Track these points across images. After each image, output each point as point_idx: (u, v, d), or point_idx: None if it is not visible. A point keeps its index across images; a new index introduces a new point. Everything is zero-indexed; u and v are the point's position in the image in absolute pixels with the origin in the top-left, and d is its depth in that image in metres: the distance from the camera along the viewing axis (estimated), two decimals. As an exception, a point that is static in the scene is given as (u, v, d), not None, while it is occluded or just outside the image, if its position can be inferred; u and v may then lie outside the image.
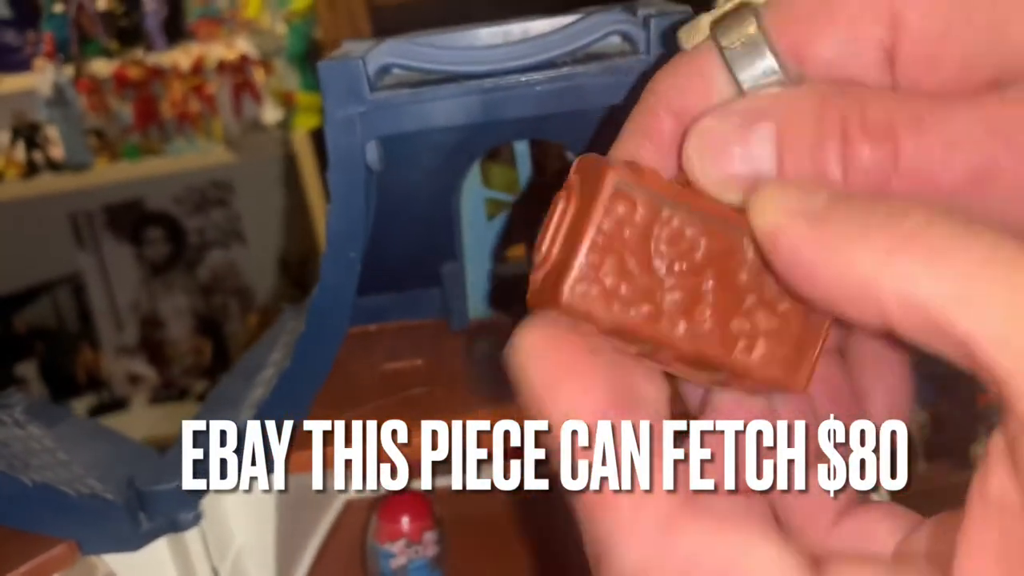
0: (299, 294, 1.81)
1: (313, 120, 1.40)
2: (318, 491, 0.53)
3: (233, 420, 0.42)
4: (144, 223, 1.74)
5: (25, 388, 1.70)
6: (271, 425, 0.39)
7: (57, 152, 1.43)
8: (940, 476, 1.28)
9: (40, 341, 1.74)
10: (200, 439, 0.41)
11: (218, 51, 1.41)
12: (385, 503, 0.46)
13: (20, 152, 1.43)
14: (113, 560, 0.40)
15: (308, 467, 0.41)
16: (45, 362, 1.73)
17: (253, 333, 1.72)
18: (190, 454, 0.40)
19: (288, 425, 0.39)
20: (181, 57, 1.41)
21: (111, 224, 1.74)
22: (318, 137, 1.43)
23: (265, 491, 0.43)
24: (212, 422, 0.42)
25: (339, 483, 0.56)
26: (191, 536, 0.40)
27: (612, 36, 0.34)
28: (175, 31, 1.43)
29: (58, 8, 1.39)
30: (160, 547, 0.39)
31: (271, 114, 1.43)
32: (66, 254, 1.74)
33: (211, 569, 0.41)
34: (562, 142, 0.45)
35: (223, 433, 0.41)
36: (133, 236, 1.75)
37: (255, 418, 0.38)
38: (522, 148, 0.46)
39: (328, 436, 0.40)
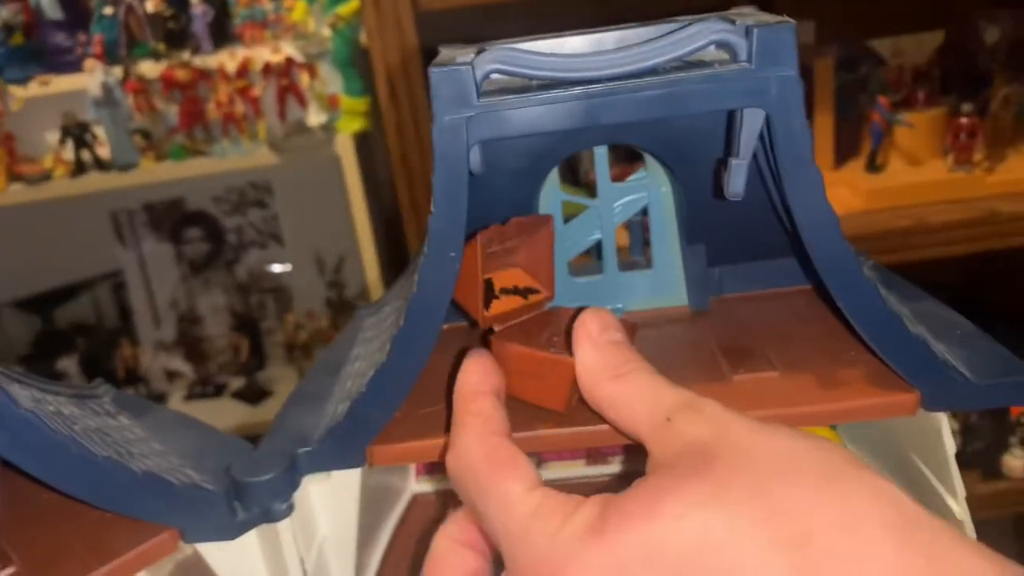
0: (334, 295, 1.83)
1: (356, 124, 1.41)
2: (391, 484, 0.54)
3: (322, 412, 0.43)
4: (184, 222, 1.76)
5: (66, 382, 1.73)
6: (364, 417, 0.40)
7: (104, 152, 1.46)
8: (970, 485, 1.28)
9: (81, 337, 1.77)
10: (291, 430, 0.43)
11: (263, 54, 1.43)
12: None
13: (69, 151, 1.46)
14: (205, 549, 0.41)
15: (394, 460, 0.42)
16: (85, 357, 1.76)
17: (290, 332, 1.74)
18: (284, 446, 0.41)
19: (381, 418, 0.40)
20: (227, 59, 1.43)
21: (152, 223, 1.76)
22: (360, 140, 1.44)
23: (349, 483, 0.44)
24: (304, 414, 0.44)
25: (407, 476, 0.57)
26: (281, 526, 0.41)
27: (712, 45, 0.34)
28: (221, 34, 1.46)
29: (108, 11, 1.42)
30: (251, 536, 0.41)
31: (315, 117, 1.44)
32: (107, 252, 1.77)
33: (299, 558, 0.43)
34: (643, 147, 0.46)
35: (313, 425, 0.43)
36: (173, 235, 1.77)
37: (350, 411, 0.40)
38: (601, 152, 0.47)
39: (413, 431, 0.42)
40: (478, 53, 0.35)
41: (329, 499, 0.44)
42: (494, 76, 0.36)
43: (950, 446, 0.40)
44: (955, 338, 0.42)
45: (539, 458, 0.58)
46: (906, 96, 1.42)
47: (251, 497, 0.39)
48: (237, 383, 1.77)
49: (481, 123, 0.34)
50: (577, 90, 0.34)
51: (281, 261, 1.79)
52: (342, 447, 0.40)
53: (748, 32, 0.33)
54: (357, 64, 1.38)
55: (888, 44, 1.43)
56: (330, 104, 1.44)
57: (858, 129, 1.43)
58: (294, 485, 0.40)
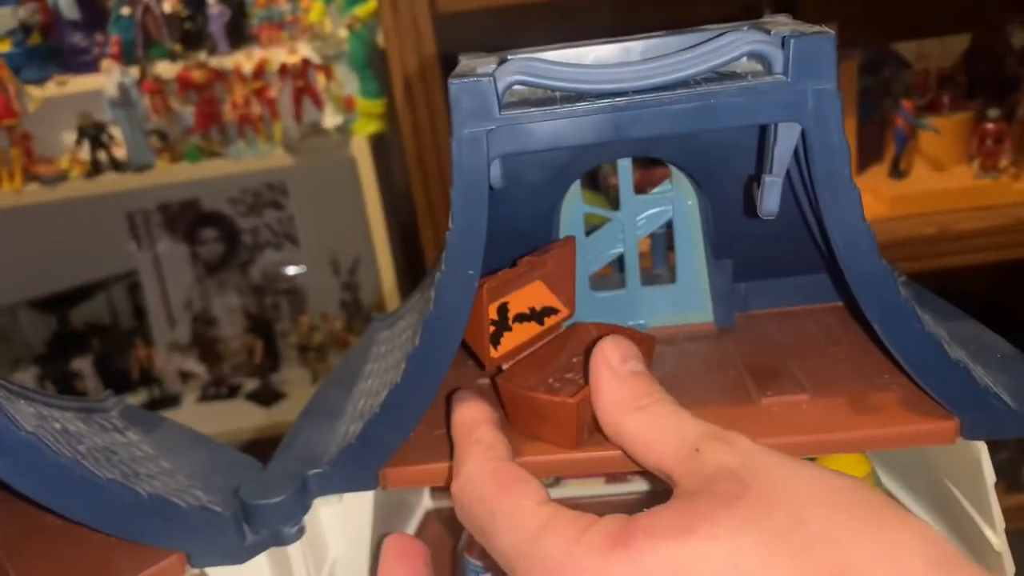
0: (349, 297, 1.82)
1: (372, 126, 1.40)
2: (405, 501, 0.53)
3: (335, 430, 0.42)
4: (199, 223, 1.76)
5: (80, 382, 1.73)
6: (378, 439, 0.39)
7: (120, 152, 1.45)
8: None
9: (96, 337, 1.77)
10: (303, 448, 0.41)
11: (280, 55, 1.42)
12: (477, 520, 0.46)
13: (85, 152, 1.46)
14: (215, 573, 0.40)
15: (408, 482, 0.41)
16: (100, 357, 1.76)
17: (304, 333, 1.74)
18: (294, 467, 0.40)
19: (395, 440, 0.39)
20: (243, 60, 1.42)
21: (167, 223, 1.76)
22: (376, 142, 1.43)
23: (362, 504, 0.43)
24: (315, 432, 0.42)
25: (421, 493, 0.56)
26: (292, 549, 0.40)
27: (745, 55, 0.33)
28: (238, 35, 1.45)
29: (125, 11, 1.42)
30: (260, 560, 0.39)
31: (331, 119, 1.43)
32: (122, 252, 1.76)
33: (309, 581, 0.41)
34: (670, 160, 0.45)
35: (325, 443, 0.41)
36: (188, 235, 1.77)
37: (363, 432, 0.38)
38: (625, 164, 0.46)
39: (427, 453, 0.40)
40: (500, 63, 0.34)
41: (340, 521, 0.43)
42: (517, 88, 0.35)
43: (990, 476, 0.39)
44: (995, 362, 0.40)
45: (558, 477, 0.56)
46: (931, 100, 1.39)
47: (260, 520, 0.38)
48: (251, 385, 1.76)
49: (502, 137, 0.33)
50: (604, 103, 0.32)
51: (296, 262, 1.78)
52: (354, 469, 0.39)
53: (784, 43, 0.32)
54: (374, 66, 1.37)
55: (913, 47, 1.41)
56: (346, 106, 1.43)
57: (881, 133, 1.41)
58: (305, 508, 0.39)
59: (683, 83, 0.32)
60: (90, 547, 0.37)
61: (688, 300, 0.48)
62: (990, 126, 1.31)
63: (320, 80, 1.42)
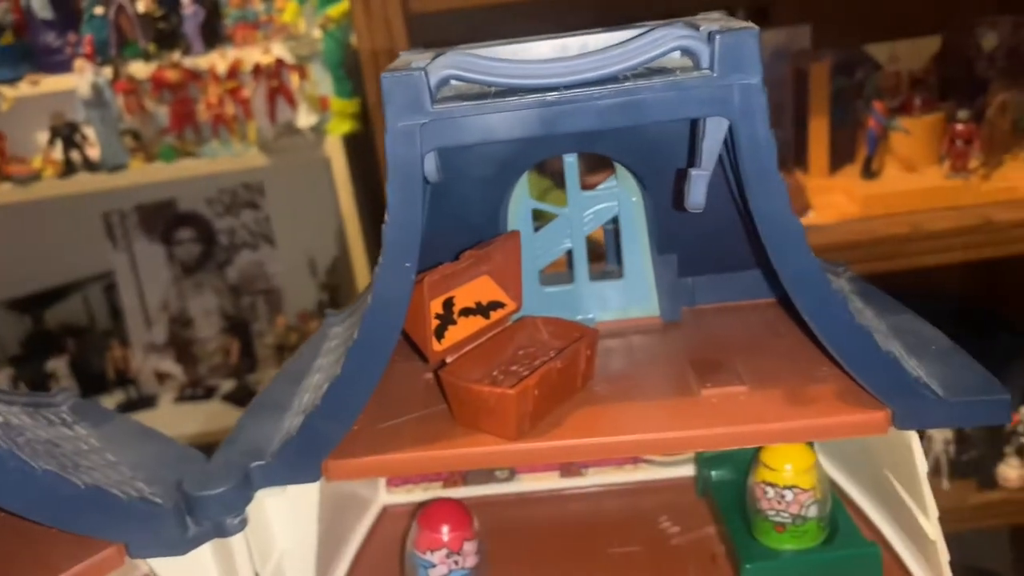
0: (326, 297, 1.82)
1: (346, 125, 1.40)
2: (357, 495, 0.53)
3: (280, 424, 0.42)
4: (176, 223, 1.75)
5: (55, 384, 1.72)
6: (319, 431, 0.39)
7: (94, 152, 1.45)
8: (965, 495, 1.26)
9: (71, 338, 1.76)
10: (247, 442, 0.42)
11: (254, 55, 1.41)
12: (425, 512, 0.46)
13: (58, 151, 1.45)
14: (157, 564, 0.40)
15: (351, 475, 0.41)
16: (75, 359, 1.75)
17: (281, 334, 1.73)
18: (237, 459, 0.40)
19: (337, 432, 0.39)
20: (218, 61, 1.42)
21: (143, 224, 1.75)
22: (350, 142, 1.43)
23: (308, 496, 0.43)
24: (261, 425, 0.43)
25: (377, 487, 0.56)
26: (235, 540, 0.40)
27: (674, 51, 0.33)
28: (212, 35, 1.45)
29: (98, 11, 1.41)
30: (204, 551, 0.39)
31: (305, 119, 1.43)
32: (98, 253, 1.75)
33: (253, 574, 0.42)
34: (612, 156, 0.45)
35: (269, 437, 0.42)
36: (165, 236, 1.76)
37: (304, 425, 0.38)
38: (571, 160, 0.46)
39: (371, 445, 0.41)
40: (435, 58, 0.34)
41: (287, 513, 0.43)
42: (455, 83, 0.35)
43: (921, 464, 0.39)
44: (930, 354, 0.40)
45: (512, 470, 0.57)
46: (902, 102, 1.40)
47: (202, 511, 0.38)
48: (228, 385, 1.76)
49: (435, 130, 0.33)
50: (533, 98, 0.33)
51: (273, 263, 1.78)
52: (297, 461, 0.39)
53: (710, 38, 0.32)
54: (347, 66, 1.37)
55: (885, 49, 1.42)
56: (320, 106, 1.43)
57: (854, 135, 1.42)
58: (247, 499, 0.39)
59: (613, 79, 0.33)
60: (30, 539, 0.37)
61: (635, 295, 0.49)
62: (960, 127, 1.32)
63: (294, 80, 1.42)
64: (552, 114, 0.32)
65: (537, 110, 0.32)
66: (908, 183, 1.41)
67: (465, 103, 0.33)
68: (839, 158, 1.50)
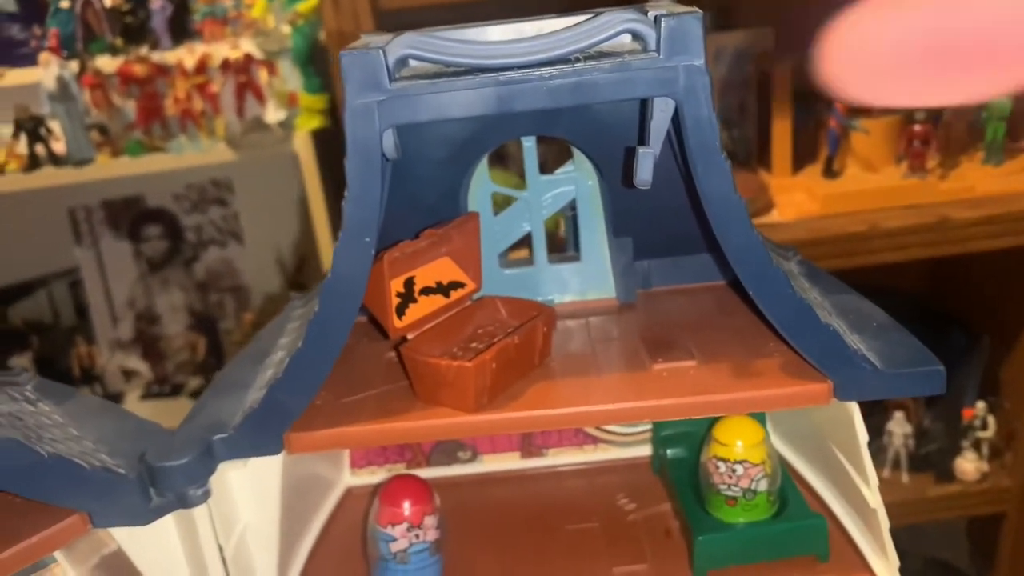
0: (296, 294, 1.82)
1: (314, 121, 1.41)
2: (321, 475, 0.54)
3: (242, 400, 0.43)
4: (143, 220, 1.74)
5: (19, 381, 1.70)
6: (280, 404, 0.40)
7: (59, 147, 1.44)
8: (923, 488, 1.29)
9: (35, 335, 1.74)
10: (209, 417, 0.42)
11: (223, 50, 1.41)
12: (387, 487, 0.47)
13: (22, 145, 1.43)
14: (120, 534, 0.41)
15: (313, 447, 0.42)
16: (40, 356, 1.73)
17: (248, 331, 1.73)
18: (199, 433, 0.41)
19: (298, 405, 0.40)
20: (186, 56, 1.42)
21: (110, 220, 1.74)
22: (319, 138, 1.44)
23: (270, 470, 0.44)
24: (223, 401, 0.43)
25: (341, 468, 0.57)
26: (199, 512, 0.41)
27: (623, 35, 0.35)
28: (181, 30, 1.44)
29: (64, 4, 1.40)
30: (168, 523, 0.40)
31: (274, 114, 1.43)
32: (64, 248, 1.74)
33: (217, 546, 0.42)
34: (569, 139, 0.47)
35: (232, 412, 0.43)
36: (131, 232, 1.75)
37: (266, 397, 0.39)
38: (529, 144, 0.48)
39: (333, 418, 0.42)
40: (393, 39, 0.36)
41: (249, 487, 0.44)
42: (414, 63, 0.37)
43: (862, 435, 0.41)
44: (870, 330, 0.42)
45: (474, 451, 0.58)
46: (862, 103, 1.43)
47: (165, 482, 0.39)
48: (195, 383, 1.75)
49: (392, 107, 0.34)
50: (487, 77, 0.34)
51: (241, 259, 1.78)
52: (259, 433, 0.40)
53: (656, 21, 0.34)
54: (316, 62, 1.37)
55: (845, 52, 1.45)
56: (289, 101, 1.43)
57: (815, 135, 1.45)
58: (210, 470, 0.40)
59: (564, 60, 0.34)
60: (-7, 508, 0.37)
61: (593, 277, 0.50)
62: (917, 128, 1.35)
63: (263, 75, 1.42)
64: (505, 92, 0.34)
65: (491, 89, 0.34)
66: (867, 182, 1.44)
67: (422, 82, 0.34)
68: (802, 158, 1.53)
